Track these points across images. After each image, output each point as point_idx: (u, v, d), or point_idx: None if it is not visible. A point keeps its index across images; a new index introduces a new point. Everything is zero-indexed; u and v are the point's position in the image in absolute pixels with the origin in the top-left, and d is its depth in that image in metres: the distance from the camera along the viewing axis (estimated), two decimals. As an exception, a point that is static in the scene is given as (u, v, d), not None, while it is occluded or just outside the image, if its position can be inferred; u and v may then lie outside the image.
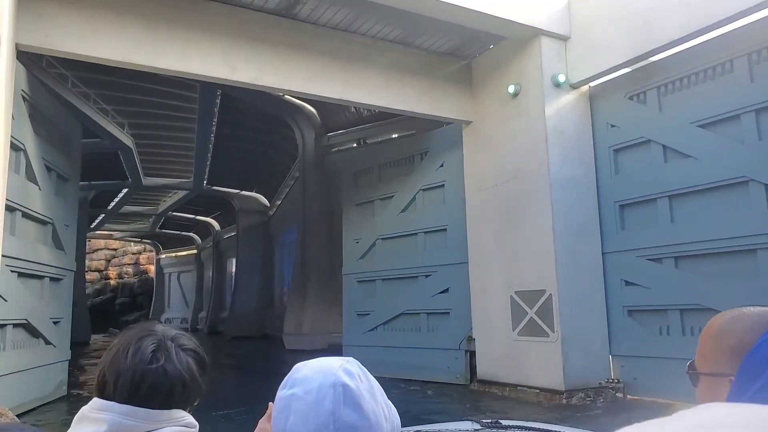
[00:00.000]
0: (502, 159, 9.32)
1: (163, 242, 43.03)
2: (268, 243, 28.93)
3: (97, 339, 28.87)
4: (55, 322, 8.57)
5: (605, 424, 6.36)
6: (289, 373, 0.90)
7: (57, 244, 8.73)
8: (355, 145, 18.35)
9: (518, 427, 1.85)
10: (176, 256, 42.39)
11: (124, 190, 28.91)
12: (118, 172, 25.64)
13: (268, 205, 29.17)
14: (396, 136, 16.61)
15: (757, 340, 0.78)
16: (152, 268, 44.91)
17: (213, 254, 36.18)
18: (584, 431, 1.97)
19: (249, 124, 21.63)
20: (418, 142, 11.55)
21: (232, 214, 30.84)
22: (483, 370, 9.60)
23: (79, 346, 23.38)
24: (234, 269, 31.36)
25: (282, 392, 0.88)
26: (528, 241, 8.73)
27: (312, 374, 0.87)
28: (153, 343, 1.02)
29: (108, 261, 45.96)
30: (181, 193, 30.90)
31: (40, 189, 7.99)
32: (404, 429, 1.18)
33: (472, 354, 9.83)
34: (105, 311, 41.41)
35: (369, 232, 12.16)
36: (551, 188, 8.40)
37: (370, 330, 11.75)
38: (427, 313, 10.84)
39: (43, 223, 8.30)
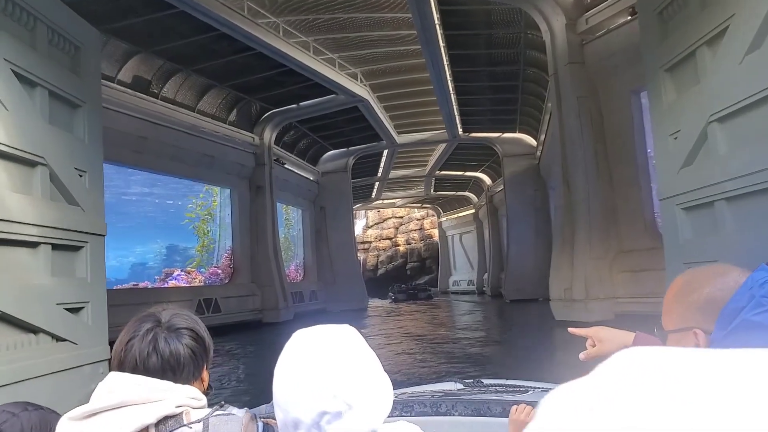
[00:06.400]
0: None
1: (442, 205, 42.52)
2: (541, 190, 24.07)
3: (376, 302, 29.13)
4: (72, 310, 5.72)
5: None
6: (276, 376, 0.87)
7: (64, 195, 5.81)
8: (629, 18, 12.17)
9: (499, 385, 1.99)
10: (456, 218, 41.31)
11: (385, 153, 28.11)
12: (371, 135, 24.64)
13: (535, 144, 24.10)
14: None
15: (714, 292, 0.89)
16: (436, 232, 44.84)
17: (487, 211, 33.23)
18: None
19: (482, 38, 17.14)
20: None
21: (500, 163, 26.94)
22: None
23: (358, 312, 23.74)
24: (506, 224, 27.54)
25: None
26: None
27: (297, 397, 0.83)
28: (148, 329, 1.12)
29: (396, 229, 47.82)
30: (441, 148, 28.69)
31: (6, 109, 5.03)
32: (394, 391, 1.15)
33: None
34: (397, 276, 43.05)
35: (693, 114, 6.53)
36: None
37: None
38: None
39: (21, 161, 5.33)
